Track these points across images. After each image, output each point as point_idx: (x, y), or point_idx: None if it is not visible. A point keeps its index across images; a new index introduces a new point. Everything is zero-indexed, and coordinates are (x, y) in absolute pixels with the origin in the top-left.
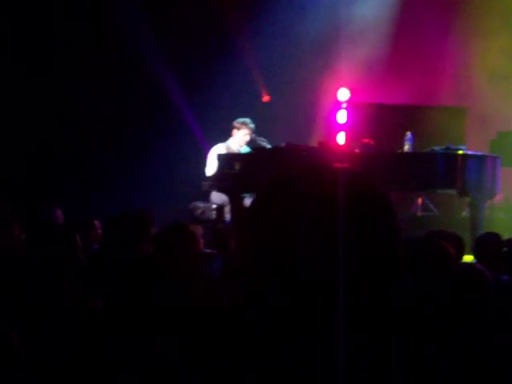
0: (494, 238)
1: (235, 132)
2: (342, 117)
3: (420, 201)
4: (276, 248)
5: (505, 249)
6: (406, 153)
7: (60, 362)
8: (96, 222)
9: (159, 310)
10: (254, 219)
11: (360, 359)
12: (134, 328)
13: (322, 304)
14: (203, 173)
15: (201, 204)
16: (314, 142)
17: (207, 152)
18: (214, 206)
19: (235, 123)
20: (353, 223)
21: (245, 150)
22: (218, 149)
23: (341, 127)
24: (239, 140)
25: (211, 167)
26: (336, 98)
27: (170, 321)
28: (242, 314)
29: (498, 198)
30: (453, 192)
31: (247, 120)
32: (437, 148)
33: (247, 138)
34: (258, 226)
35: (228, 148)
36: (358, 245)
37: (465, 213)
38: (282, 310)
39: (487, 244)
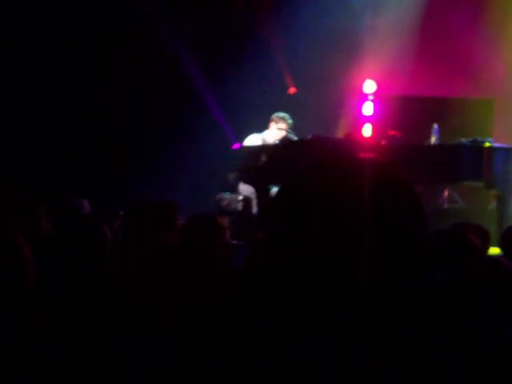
0: None
1: (272, 125)
2: (368, 109)
3: (447, 193)
4: (303, 235)
5: None
6: (433, 145)
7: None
8: (122, 212)
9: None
10: (283, 206)
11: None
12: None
13: (346, 288)
14: (230, 164)
15: (227, 195)
16: (340, 134)
17: (233, 143)
18: (241, 198)
19: (274, 116)
20: (378, 212)
21: None
22: (254, 138)
23: (367, 119)
24: (275, 134)
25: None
26: (362, 90)
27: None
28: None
29: None
30: (479, 184)
31: (286, 116)
32: (464, 140)
33: (283, 133)
34: (286, 213)
35: (263, 140)
36: (382, 234)
37: (492, 205)
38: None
39: None
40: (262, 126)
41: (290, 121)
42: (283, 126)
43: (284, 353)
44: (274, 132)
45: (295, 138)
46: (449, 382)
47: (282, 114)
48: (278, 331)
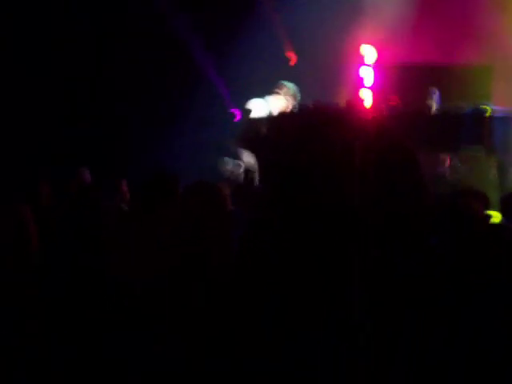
0: None
1: (281, 95)
2: (368, 76)
3: (448, 161)
4: (301, 192)
5: None
6: (434, 112)
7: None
8: (123, 181)
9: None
10: (284, 163)
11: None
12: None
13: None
14: (231, 133)
15: (229, 163)
16: (341, 102)
17: (233, 112)
18: (243, 167)
19: (279, 86)
20: (377, 172)
21: None
22: (258, 103)
23: (367, 87)
24: (280, 105)
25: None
26: (362, 57)
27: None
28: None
29: None
30: (481, 152)
31: (298, 91)
32: (464, 107)
33: (283, 105)
34: (287, 170)
35: (267, 103)
36: (382, 194)
37: (493, 173)
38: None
39: None
40: (261, 93)
41: (299, 97)
42: (291, 100)
43: (285, 348)
44: (281, 103)
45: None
46: (452, 374)
47: (295, 88)
48: (279, 325)
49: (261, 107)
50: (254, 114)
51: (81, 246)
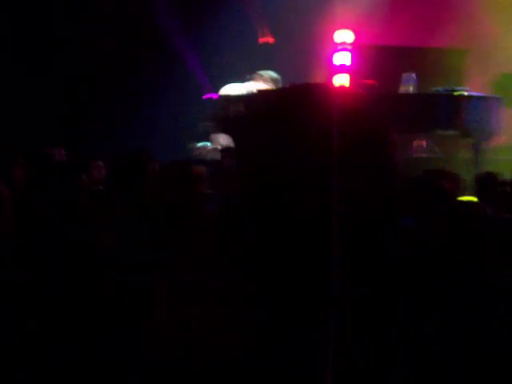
0: (492, 176)
1: (260, 82)
2: (345, 59)
3: (423, 143)
4: (268, 171)
5: (507, 188)
6: (410, 94)
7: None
8: (99, 162)
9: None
10: (249, 149)
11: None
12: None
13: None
14: (206, 113)
15: (205, 144)
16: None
17: (208, 93)
18: (218, 148)
19: (268, 76)
20: (354, 153)
21: None
22: (235, 88)
23: (344, 69)
24: (249, 86)
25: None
26: (338, 40)
27: None
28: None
29: (501, 140)
30: (456, 133)
31: (279, 78)
32: (440, 89)
33: (257, 86)
34: (251, 150)
35: (240, 86)
36: (351, 171)
37: (468, 154)
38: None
39: (486, 183)
40: (236, 77)
41: (266, 73)
42: (257, 80)
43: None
44: (251, 84)
45: (272, 87)
46: (447, 356)
47: (275, 76)
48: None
49: (238, 91)
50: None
51: (67, 223)
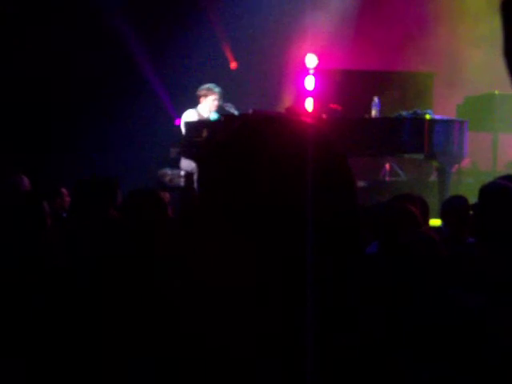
0: (460, 201)
1: (203, 99)
2: (309, 83)
3: (388, 166)
4: (237, 200)
5: (471, 212)
6: (374, 118)
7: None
8: (63, 189)
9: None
10: (213, 174)
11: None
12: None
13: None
14: (171, 139)
15: (169, 171)
16: (281, 109)
17: (175, 118)
18: (183, 173)
19: (201, 91)
20: (313, 179)
21: (214, 116)
22: (190, 114)
23: (308, 93)
24: (209, 106)
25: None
26: (304, 64)
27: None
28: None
29: (466, 163)
30: (420, 157)
31: (211, 85)
32: (404, 113)
33: (216, 102)
34: (217, 179)
35: (199, 114)
36: (316, 201)
37: (433, 177)
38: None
39: (453, 207)
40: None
41: (218, 89)
42: (213, 96)
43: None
44: (207, 104)
45: (236, 112)
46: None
47: (206, 86)
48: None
49: (194, 117)
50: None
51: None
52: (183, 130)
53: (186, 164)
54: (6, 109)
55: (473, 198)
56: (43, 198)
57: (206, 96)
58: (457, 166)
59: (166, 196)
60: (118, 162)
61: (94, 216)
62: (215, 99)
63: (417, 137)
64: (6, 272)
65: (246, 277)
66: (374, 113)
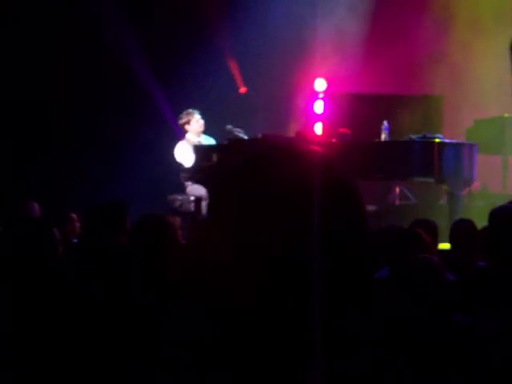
0: (467, 224)
1: (187, 126)
2: (318, 107)
3: (398, 190)
4: (246, 231)
5: (482, 235)
6: (383, 142)
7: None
8: (73, 214)
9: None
10: (224, 201)
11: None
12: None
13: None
14: (180, 164)
15: (179, 196)
16: (291, 133)
17: None
18: (193, 199)
19: (182, 120)
20: (321, 206)
21: (207, 139)
22: (181, 146)
23: (318, 117)
24: (195, 129)
25: (186, 160)
26: (313, 88)
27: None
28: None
29: (476, 186)
30: (430, 180)
31: (188, 110)
32: (414, 137)
33: (201, 121)
34: (227, 209)
35: (189, 142)
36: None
37: (443, 201)
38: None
39: (461, 230)
40: (212, 126)
41: (195, 109)
42: (195, 117)
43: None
44: (194, 129)
45: (245, 137)
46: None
47: (184, 112)
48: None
49: (186, 147)
50: (183, 156)
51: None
52: (179, 161)
53: (195, 189)
54: (15, 136)
55: (484, 221)
56: (53, 225)
57: (188, 122)
58: (467, 189)
59: (177, 220)
60: (128, 188)
61: (104, 243)
62: (198, 119)
63: (426, 160)
64: (20, 300)
65: (256, 303)
66: (383, 136)
